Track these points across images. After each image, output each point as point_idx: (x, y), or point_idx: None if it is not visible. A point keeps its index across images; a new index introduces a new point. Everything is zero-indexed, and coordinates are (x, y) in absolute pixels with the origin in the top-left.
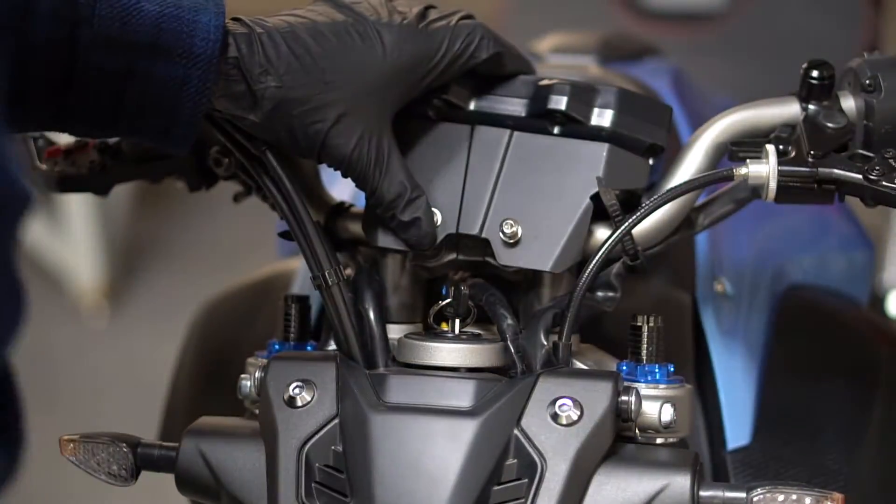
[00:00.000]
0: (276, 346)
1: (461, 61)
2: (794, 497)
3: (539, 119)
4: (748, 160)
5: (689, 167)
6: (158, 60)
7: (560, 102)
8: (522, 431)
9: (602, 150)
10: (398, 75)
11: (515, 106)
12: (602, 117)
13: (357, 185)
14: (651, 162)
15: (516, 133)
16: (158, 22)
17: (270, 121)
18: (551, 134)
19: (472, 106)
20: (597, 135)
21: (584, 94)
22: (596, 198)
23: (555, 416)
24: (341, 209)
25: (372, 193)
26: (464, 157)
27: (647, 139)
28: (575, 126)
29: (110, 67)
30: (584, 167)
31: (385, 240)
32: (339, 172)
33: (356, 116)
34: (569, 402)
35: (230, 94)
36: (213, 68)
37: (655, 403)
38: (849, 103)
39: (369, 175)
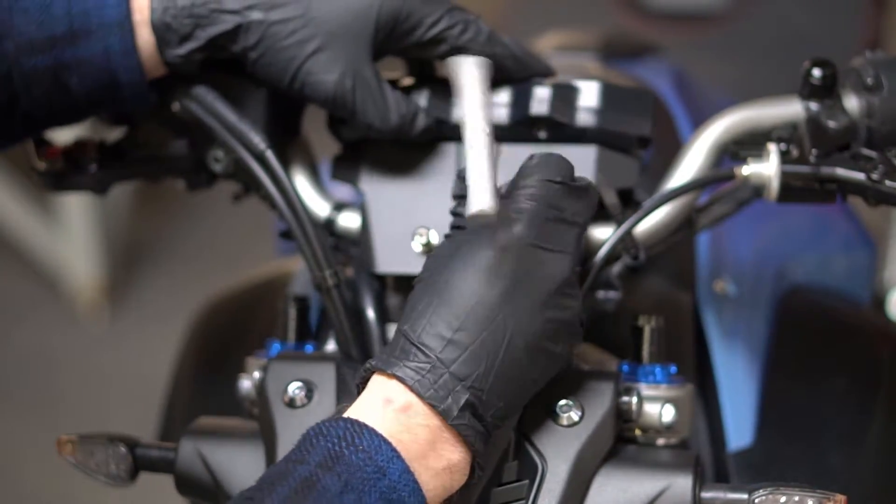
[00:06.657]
0: (276, 346)
1: (449, 41)
2: (796, 498)
3: (524, 126)
4: (750, 159)
5: (690, 167)
6: (79, 44)
7: (542, 107)
8: (523, 432)
9: (591, 152)
10: (383, 22)
11: (498, 112)
12: (587, 116)
13: (358, 121)
14: (640, 154)
15: (501, 146)
16: (69, 11)
17: (256, 53)
18: (538, 140)
19: (455, 115)
20: (583, 135)
21: (566, 96)
22: None
23: (555, 417)
24: (341, 209)
25: (375, 125)
26: (451, 175)
27: (633, 132)
28: (561, 128)
29: (42, 65)
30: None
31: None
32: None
33: (337, 52)
34: (569, 402)
35: (215, 37)
36: (128, 28)
37: (657, 404)
38: (851, 102)
39: (367, 108)
